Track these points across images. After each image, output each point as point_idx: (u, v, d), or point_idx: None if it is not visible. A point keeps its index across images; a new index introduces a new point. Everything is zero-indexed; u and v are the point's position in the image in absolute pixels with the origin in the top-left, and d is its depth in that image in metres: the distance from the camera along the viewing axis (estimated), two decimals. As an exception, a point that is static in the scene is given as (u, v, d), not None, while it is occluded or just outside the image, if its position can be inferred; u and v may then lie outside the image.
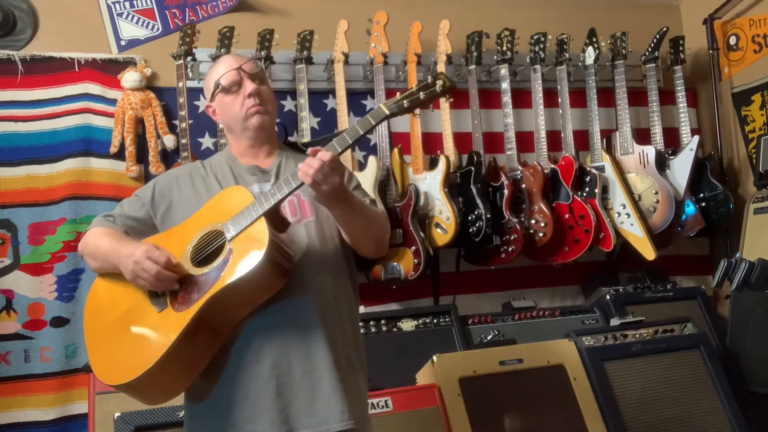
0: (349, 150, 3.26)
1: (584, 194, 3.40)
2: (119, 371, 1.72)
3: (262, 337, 1.73)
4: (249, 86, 1.87)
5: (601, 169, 3.47)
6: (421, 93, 1.70)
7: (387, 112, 1.70)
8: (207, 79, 1.97)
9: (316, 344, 1.74)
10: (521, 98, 3.58)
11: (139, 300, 1.77)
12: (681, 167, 3.53)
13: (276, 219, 1.73)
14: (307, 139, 3.08)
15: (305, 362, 1.73)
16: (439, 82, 1.70)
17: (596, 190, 3.39)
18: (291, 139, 2.04)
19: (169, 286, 1.73)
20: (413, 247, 3.13)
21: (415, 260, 3.12)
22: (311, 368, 1.73)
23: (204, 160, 2.02)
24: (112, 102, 3.14)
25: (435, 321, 3.15)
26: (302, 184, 1.67)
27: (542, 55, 3.51)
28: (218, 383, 1.75)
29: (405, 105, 1.70)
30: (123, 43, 3.27)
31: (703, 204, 3.61)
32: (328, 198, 1.70)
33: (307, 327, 1.75)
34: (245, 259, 1.64)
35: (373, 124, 1.70)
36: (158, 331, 1.70)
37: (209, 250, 1.74)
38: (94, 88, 3.15)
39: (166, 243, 1.79)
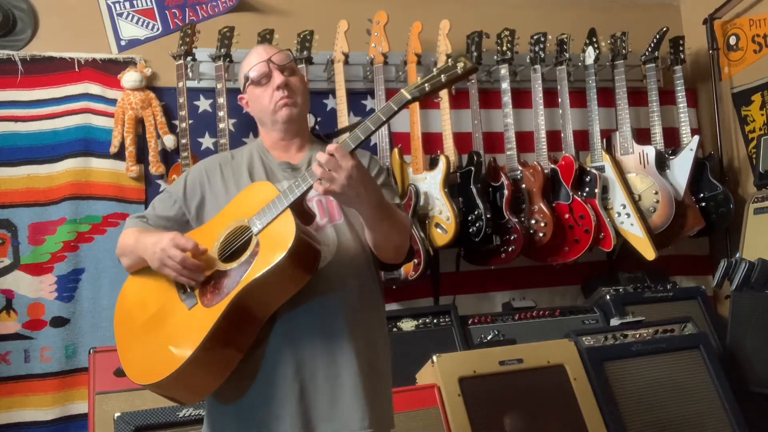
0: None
1: (584, 194, 3.40)
2: (150, 370, 1.70)
3: (289, 341, 1.72)
4: (278, 78, 1.85)
5: (601, 169, 3.47)
6: (442, 75, 1.63)
7: (408, 97, 1.63)
8: (240, 69, 1.96)
9: (341, 350, 1.72)
10: (521, 98, 3.58)
11: (168, 299, 1.76)
12: (681, 167, 3.53)
13: (301, 212, 1.70)
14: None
15: (329, 367, 1.72)
16: (460, 64, 1.63)
17: (596, 190, 3.39)
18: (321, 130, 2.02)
19: (196, 275, 1.70)
20: (413, 247, 3.12)
21: (415, 260, 3.12)
22: (335, 374, 1.72)
23: (234, 150, 1.99)
24: (112, 102, 3.14)
25: (435, 321, 3.15)
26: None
27: (542, 55, 3.51)
28: (243, 384, 1.73)
29: (426, 88, 1.63)
30: (123, 43, 3.27)
31: (703, 204, 3.61)
32: (343, 198, 1.65)
33: (334, 332, 1.73)
34: (273, 251, 1.63)
35: (396, 109, 1.63)
36: (189, 327, 1.69)
37: (237, 245, 1.73)
38: (94, 88, 3.15)
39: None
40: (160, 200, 1.94)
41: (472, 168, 3.27)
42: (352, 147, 1.63)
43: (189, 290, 1.74)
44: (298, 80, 1.91)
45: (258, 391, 1.72)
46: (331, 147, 1.60)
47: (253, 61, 1.89)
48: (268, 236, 1.67)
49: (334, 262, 1.76)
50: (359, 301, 1.79)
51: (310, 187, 1.66)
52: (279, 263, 1.61)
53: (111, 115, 3.12)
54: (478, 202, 3.22)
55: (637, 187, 3.50)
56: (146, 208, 1.97)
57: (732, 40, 3.91)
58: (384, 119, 1.64)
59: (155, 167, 3.13)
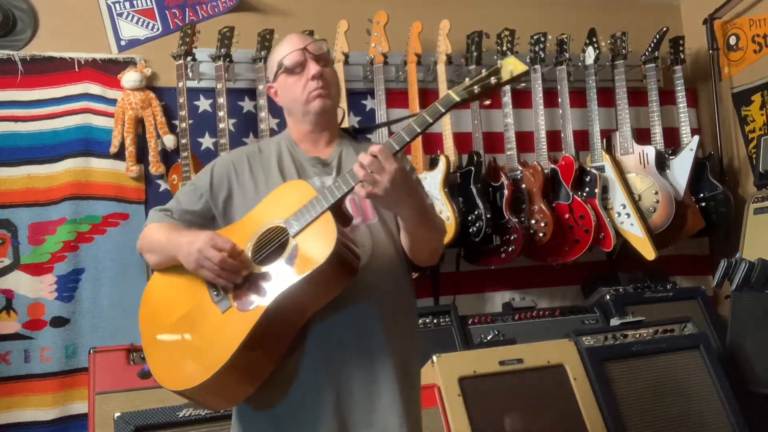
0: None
1: (584, 194, 3.40)
2: (183, 376, 1.64)
3: (325, 346, 1.67)
4: (313, 68, 1.78)
5: (601, 169, 3.47)
6: (492, 78, 1.58)
7: (457, 99, 1.58)
8: (270, 57, 1.89)
9: (378, 356, 1.69)
10: (521, 98, 3.58)
11: (200, 300, 1.69)
12: (681, 167, 3.53)
13: (339, 213, 1.64)
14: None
15: (366, 374, 1.68)
16: (510, 66, 1.59)
17: (596, 190, 3.39)
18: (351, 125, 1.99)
19: (234, 277, 1.63)
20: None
21: (415, 260, 3.11)
22: (372, 380, 1.68)
23: (261, 143, 1.93)
24: (112, 102, 3.14)
25: (435, 321, 3.14)
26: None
27: (542, 55, 3.51)
28: (278, 390, 1.68)
29: (475, 91, 1.58)
30: (123, 43, 3.27)
31: (703, 204, 3.61)
32: (384, 202, 1.60)
33: (370, 339, 1.69)
34: (312, 255, 1.57)
35: (443, 111, 1.57)
36: (223, 332, 1.62)
37: (272, 247, 1.65)
38: (94, 88, 3.15)
39: None
40: (184, 193, 1.86)
41: (472, 168, 3.27)
42: (396, 149, 1.58)
43: (222, 292, 1.67)
44: (332, 72, 1.86)
45: (294, 397, 1.67)
46: (374, 148, 1.54)
47: (287, 49, 1.82)
48: (306, 239, 1.61)
49: (370, 265, 1.70)
50: (395, 304, 1.75)
51: (351, 189, 1.59)
52: (319, 268, 1.55)
53: (111, 115, 3.12)
54: (478, 202, 3.22)
55: (637, 187, 3.50)
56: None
57: (732, 40, 3.91)
58: (431, 121, 1.58)
59: (155, 167, 3.13)
